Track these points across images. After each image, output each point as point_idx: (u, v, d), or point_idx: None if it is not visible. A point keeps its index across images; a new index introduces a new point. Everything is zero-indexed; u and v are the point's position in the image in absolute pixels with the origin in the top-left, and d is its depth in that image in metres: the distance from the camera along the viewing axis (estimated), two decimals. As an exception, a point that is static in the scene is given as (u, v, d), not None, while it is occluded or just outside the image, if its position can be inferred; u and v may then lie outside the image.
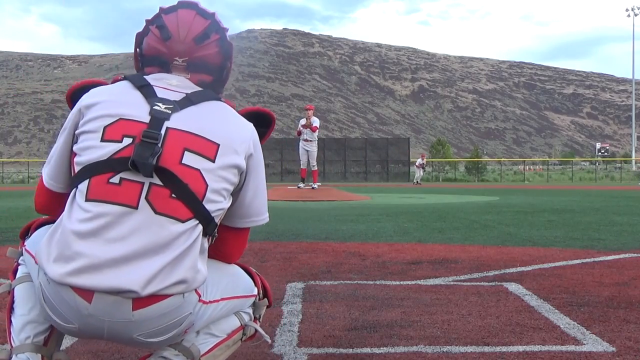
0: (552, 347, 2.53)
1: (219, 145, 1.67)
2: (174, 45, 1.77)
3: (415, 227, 7.81)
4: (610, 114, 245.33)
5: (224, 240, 1.82)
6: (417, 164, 38.55)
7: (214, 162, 1.65)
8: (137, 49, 1.85)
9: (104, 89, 1.74)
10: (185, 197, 1.60)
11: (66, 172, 1.73)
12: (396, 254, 5.30)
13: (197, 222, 1.62)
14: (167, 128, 1.63)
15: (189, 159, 1.62)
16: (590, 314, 3.10)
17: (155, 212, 1.57)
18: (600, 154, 64.49)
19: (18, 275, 1.80)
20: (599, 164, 63.89)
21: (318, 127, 15.66)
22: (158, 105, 1.66)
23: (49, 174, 1.77)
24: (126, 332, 1.58)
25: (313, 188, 15.87)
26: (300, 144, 15.93)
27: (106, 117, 1.64)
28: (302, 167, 16.31)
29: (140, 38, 1.84)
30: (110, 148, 1.60)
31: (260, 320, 1.98)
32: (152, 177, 1.58)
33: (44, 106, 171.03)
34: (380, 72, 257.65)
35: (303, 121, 15.72)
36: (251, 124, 1.81)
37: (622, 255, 5.24)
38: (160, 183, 1.59)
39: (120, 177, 1.57)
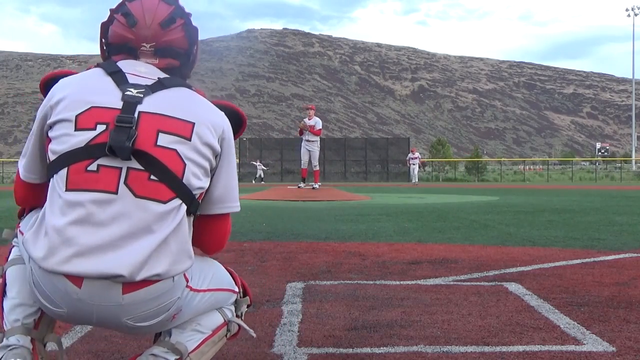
0: (552, 347, 2.54)
1: (194, 123, 1.68)
2: (140, 31, 1.77)
3: (415, 227, 7.81)
4: (610, 114, 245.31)
5: (204, 229, 1.81)
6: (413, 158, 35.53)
7: (189, 140, 1.66)
8: (103, 39, 1.85)
9: (75, 78, 1.74)
10: (165, 177, 1.60)
11: (41, 163, 1.74)
12: (396, 254, 5.30)
13: (181, 201, 1.62)
14: (140, 112, 1.63)
15: (164, 140, 1.63)
16: (590, 314, 3.11)
17: (136, 196, 1.57)
18: (600, 153, 64.39)
19: (10, 257, 1.80)
20: (599, 164, 63.84)
21: (321, 129, 15.53)
22: (130, 91, 1.66)
23: (25, 167, 1.78)
24: (115, 316, 1.58)
25: (314, 188, 15.85)
26: (303, 143, 15.84)
27: (78, 106, 1.63)
28: (302, 166, 16.22)
29: (105, 27, 1.83)
30: (85, 136, 1.60)
31: (242, 318, 1.97)
32: (129, 160, 1.58)
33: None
34: (380, 72, 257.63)
35: (307, 120, 15.59)
36: (222, 112, 1.81)
37: (622, 255, 5.24)
38: (139, 166, 1.59)
39: (98, 164, 1.58)
